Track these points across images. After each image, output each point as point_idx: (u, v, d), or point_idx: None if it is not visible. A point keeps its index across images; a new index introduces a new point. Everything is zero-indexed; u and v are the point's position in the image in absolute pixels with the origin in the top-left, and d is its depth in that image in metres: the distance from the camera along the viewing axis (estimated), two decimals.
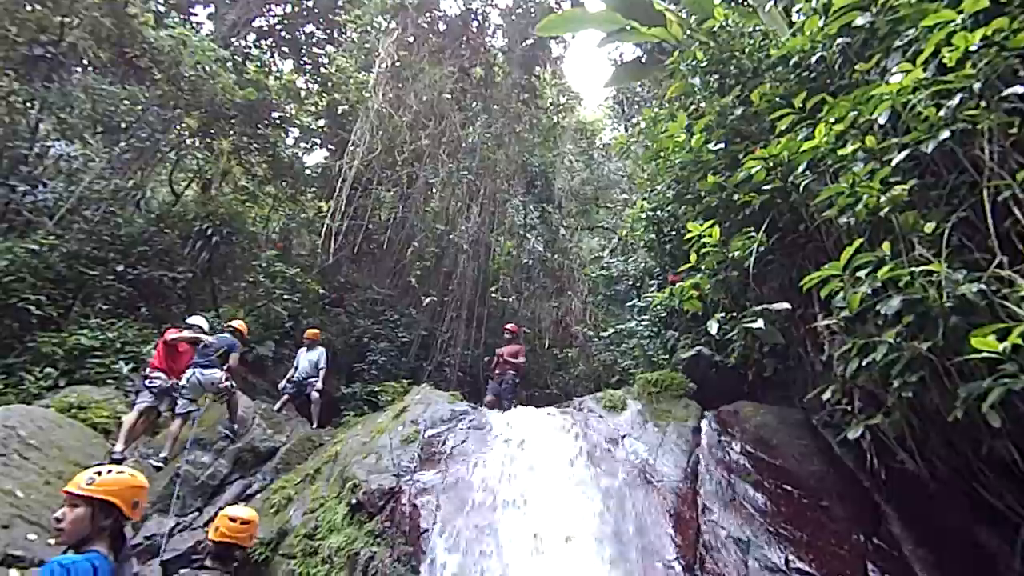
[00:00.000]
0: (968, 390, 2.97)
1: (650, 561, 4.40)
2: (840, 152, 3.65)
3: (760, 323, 3.70)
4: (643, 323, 8.85)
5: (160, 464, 6.19)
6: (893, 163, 3.32)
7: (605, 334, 9.48)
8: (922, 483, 4.69)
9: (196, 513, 5.90)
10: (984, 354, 2.54)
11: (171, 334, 6.66)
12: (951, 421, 3.54)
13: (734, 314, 4.42)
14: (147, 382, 6.12)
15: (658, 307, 8.71)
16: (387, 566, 4.77)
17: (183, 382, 6.45)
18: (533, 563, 4.39)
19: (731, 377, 6.85)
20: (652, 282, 5.76)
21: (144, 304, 8.88)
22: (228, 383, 6.62)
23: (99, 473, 2.55)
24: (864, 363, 3.50)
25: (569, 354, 11.03)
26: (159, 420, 6.70)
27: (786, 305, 3.87)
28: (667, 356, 7.70)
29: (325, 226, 10.23)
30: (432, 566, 4.52)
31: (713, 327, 3.96)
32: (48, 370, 7.27)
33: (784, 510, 4.72)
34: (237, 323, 7.28)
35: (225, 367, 6.70)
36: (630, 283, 9.38)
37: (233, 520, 3.23)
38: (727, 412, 6.00)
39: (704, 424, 5.85)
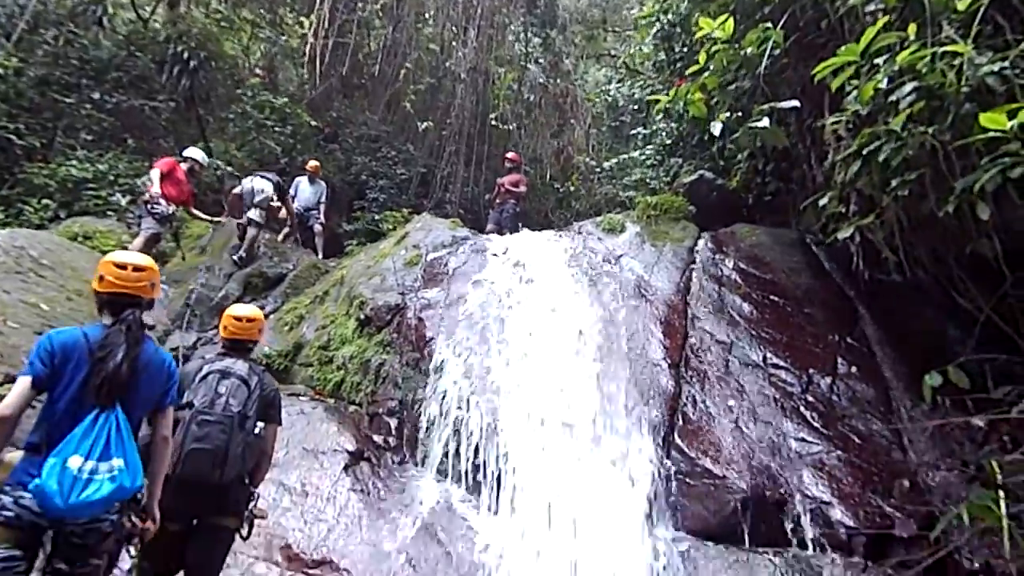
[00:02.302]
0: (964, 183, 2.97)
1: (640, 362, 4.76)
2: None
3: (766, 121, 3.60)
4: (647, 152, 8.66)
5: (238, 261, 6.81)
6: None
7: (607, 164, 9.32)
8: (901, 291, 4.92)
9: (215, 330, 6.26)
10: (990, 134, 2.50)
11: (168, 166, 6.56)
12: (940, 223, 3.61)
13: (739, 114, 4.28)
14: (149, 207, 6.16)
15: (663, 134, 8.47)
16: (397, 370, 5.18)
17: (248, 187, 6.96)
18: (528, 363, 4.75)
19: (731, 201, 6.87)
20: (658, 106, 5.51)
21: (129, 136, 8.64)
22: (266, 205, 6.96)
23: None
24: (866, 165, 3.48)
25: (571, 188, 10.93)
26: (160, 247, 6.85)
27: (795, 103, 3.73)
28: (669, 184, 7.65)
29: (308, 45, 9.52)
30: (437, 367, 4.91)
31: (717, 127, 3.87)
32: (45, 202, 7.28)
33: (768, 317, 5.00)
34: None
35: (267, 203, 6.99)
36: (635, 108, 9.00)
37: (239, 319, 3.39)
38: (724, 233, 6.11)
39: (700, 244, 5.98)
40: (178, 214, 6.74)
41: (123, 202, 7.53)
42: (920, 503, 3.39)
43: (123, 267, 2.53)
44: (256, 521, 3.86)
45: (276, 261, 7.17)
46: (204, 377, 3.15)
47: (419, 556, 3.76)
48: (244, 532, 3.19)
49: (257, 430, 3.26)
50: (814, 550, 3.50)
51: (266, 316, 6.67)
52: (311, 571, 3.74)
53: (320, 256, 7.94)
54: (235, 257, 6.87)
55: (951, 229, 3.75)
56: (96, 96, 8.40)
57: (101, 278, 2.54)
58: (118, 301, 2.50)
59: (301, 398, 5.20)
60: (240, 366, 3.27)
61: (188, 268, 6.88)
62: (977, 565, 3.18)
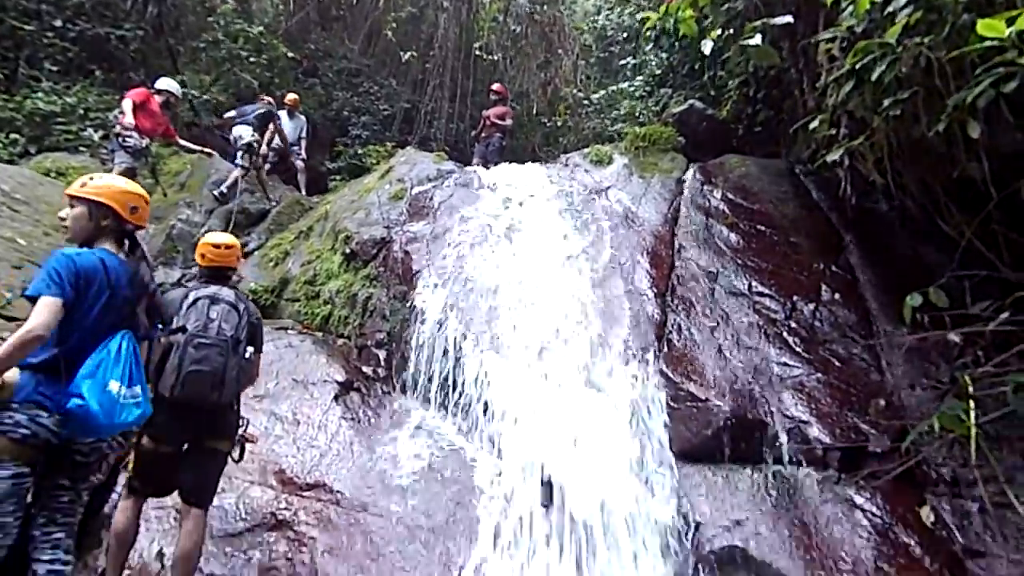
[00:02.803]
0: (957, 99, 2.92)
1: (626, 291, 4.79)
2: None
3: (758, 39, 3.48)
4: (636, 83, 8.43)
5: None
6: None
7: (596, 97, 9.07)
8: (886, 219, 4.94)
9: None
10: (987, 43, 2.43)
11: (140, 96, 6.28)
12: (929, 148, 3.58)
13: (731, 34, 4.14)
14: (122, 140, 5.93)
15: (652, 64, 8.22)
16: (384, 303, 5.18)
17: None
18: (515, 293, 4.76)
19: (720, 132, 6.77)
20: (649, 32, 5.30)
21: (97, 67, 8.23)
22: (248, 148, 6.95)
23: (91, 178, 2.59)
24: (858, 85, 3.40)
25: (558, 123, 10.68)
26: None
27: (788, 18, 3.60)
28: (658, 116, 7.48)
29: None
30: (424, 299, 4.91)
31: (708, 46, 3.74)
32: (14, 136, 6.99)
33: (754, 246, 5.01)
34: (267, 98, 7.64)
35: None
36: (624, 38, 8.69)
37: (216, 246, 3.35)
38: (713, 164, 6.04)
39: (688, 175, 5.92)
40: (154, 148, 6.52)
41: (95, 137, 7.25)
42: (894, 420, 3.52)
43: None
44: (248, 446, 3.95)
45: (258, 197, 7.02)
46: (194, 302, 3.15)
47: (409, 477, 3.87)
48: (236, 455, 3.26)
49: (247, 354, 3.30)
50: (791, 466, 3.64)
51: (250, 252, 6.62)
52: (305, 493, 3.84)
53: (303, 193, 7.78)
54: (215, 192, 6.71)
55: (940, 153, 3.73)
56: (58, 24, 7.94)
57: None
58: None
59: (289, 332, 5.20)
60: (227, 292, 3.30)
61: (168, 205, 6.72)
62: (944, 474, 3.33)
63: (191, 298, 3.18)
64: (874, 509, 3.27)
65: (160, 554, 3.55)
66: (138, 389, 2.36)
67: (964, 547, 3.06)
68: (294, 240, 6.38)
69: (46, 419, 2.20)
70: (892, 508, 3.27)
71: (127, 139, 5.97)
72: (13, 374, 2.21)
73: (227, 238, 3.44)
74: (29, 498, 2.27)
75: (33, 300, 2.25)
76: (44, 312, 2.19)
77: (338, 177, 8.62)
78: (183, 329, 3.06)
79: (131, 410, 2.32)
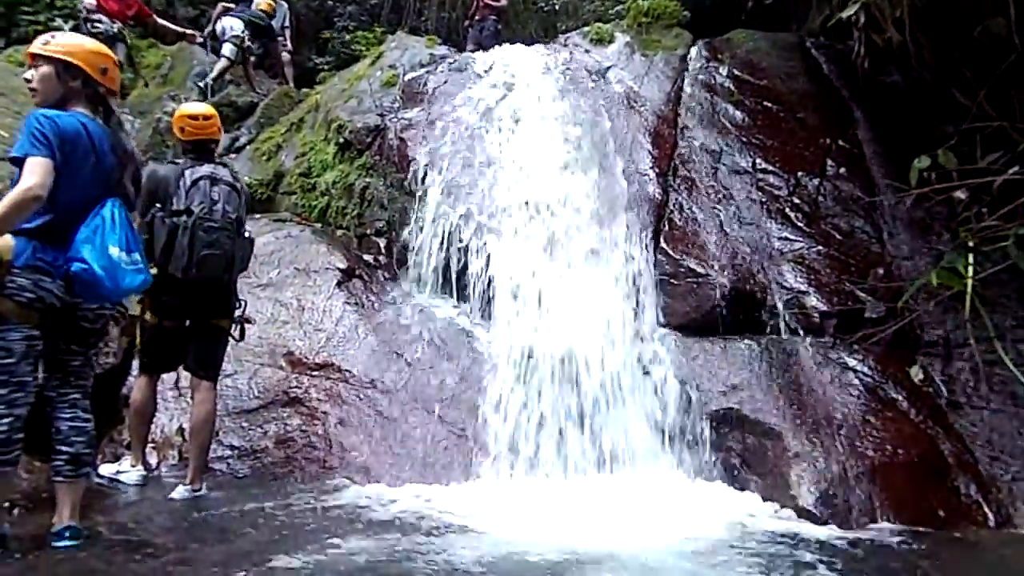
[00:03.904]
0: None
1: (628, 171, 4.69)
2: None
3: None
4: None
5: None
6: None
7: None
8: (898, 92, 4.74)
9: None
10: None
11: None
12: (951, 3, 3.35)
13: None
14: (90, 26, 5.58)
15: None
16: (382, 191, 5.11)
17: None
18: (515, 175, 4.67)
19: (729, 7, 6.36)
20: None
21: None
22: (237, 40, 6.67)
23: (54, 36, 2.44)
24: None
25: (555, 6, 10.02)
26: None
27: None
28: None
29: None
30: (422, 185, 4.82)
31: None
32: None
33: (760, 123, 4.85)
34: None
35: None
36: None
37: (195, 117, 3.24)
38: (719, 40, 5.72)
39: (693, 52, 5.61)
40: (129, 37, 6.16)
41: (66, 28, 6.82)
42: (892, 288, 3.55)
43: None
44: (256, 331, 4.05)
45: (244, 90, 6.73)
46: (195, 183, 3.13)
47: (414, 355, 3.98)
48: (236, 334, 3.34)
49: (248, 234, 3.32)
50: (788, 334, 3.72)
51: (241, 147, 6.44)
52: (314, 373, 3.97)
53: (291, 85, 7.45)
54: (200, 84, 6.43)
55: (963, 8, 3.50)
56: None
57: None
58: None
59: (288, 223, 5.17)
60: (224, 172, 3.30)
61: (152, 99, 6.45)
62: (935, 336, 3.41)
63: (189, 178, 3.14)
64: (866, 370, 3.38)
65: (180, 429, 3.72)
66: (136, 256, 2.35)
67: (948, 401, 3.19)
68: (286, 133, 6.18)
69: (49, 284, 2.21)
70: (883, 369, 3.38)
71: (96, 24, 5.63)
72: (7, 239, 2.19)
73: (204, 108, 3.33)
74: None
75: (18, 163, 2.19)
76: (38, 171, 2.13)
77: (326, 68, 8.19)
78: (188, 211, 3.06)
79: (133, 276, 2.31)
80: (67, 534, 2.22)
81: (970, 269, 2.62)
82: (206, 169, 3.20)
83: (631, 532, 2.56)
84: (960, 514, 2.76)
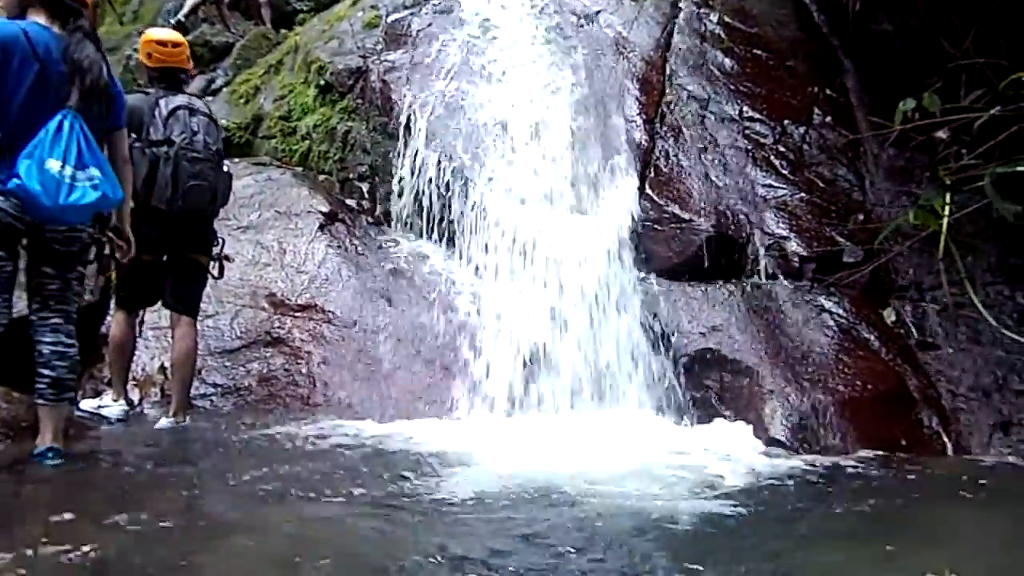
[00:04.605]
0: None
1: (614, 118, 4.65)
2: None
3: None
4: None
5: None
6: None
7: None
8: (887, 41, 4.71)
9: None
10: None
11: None
12: None
13: None
14: None
15: None
16: (364, 135, 5.01)
17: None
18: (502, 118, 4.60)
19: None
20: None
21: None
22: None
23: None
24: None
25: None
26: None
27: None
28: None
29: None
30: (406, 129, 4.74)
31: None
32: None
33: (748, 71, 4.81)
34: None
35: None
36: None
37: (163, 44, 3.12)
38: None
39: None
40: None
41: None
42: (870, 231, 3.60)
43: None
44: (237, 273, 4.00)
45: (219, 29, 6.48)
46: (172, 112, 3.05)
47: (398, 297, 3.98)
48: (215, 271, 3.31)
49: (226, 167, 3.26)
50: (768, 279, 3.78)
51: (218, 90, 6.25)
52: (297, 314, 3.96)
53: (268, 27, 7.19)
54: (172, 21, 6.17)
55: None
56: None
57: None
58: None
59: (268, 167, 5.06)
60: (199, 103, 3.23)
61: (122, 36, 6.20)
62: (909, 280, 3.49)
63: (165, 107, 3.06)
64: (841, 312, 3.46)
65: (162, 368, 3.71)
66: (94, 171, 2.21)
67: (919, 341, 3.29)
68: (264, 75, 5.99)
69: (2, 202, 2.13)
70: (858, 311, 3.46)
71: None
72: None
73: (172, 35, 3.22)
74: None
75: None
76: None
77: (305, 11, 7.90)
78: (168, 141, 2.98)
79: (86, 192, 2.17)
80: (49, 455, 2.23)
81: (946, 209, 2.66)
82: (182, 99, 3.12)
83: (608, 461, 2.63)
84: (921, 443, 2.88)
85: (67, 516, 1.72)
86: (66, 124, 2.18)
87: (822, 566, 1.54)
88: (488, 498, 2.09)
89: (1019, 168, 2.45)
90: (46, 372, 2.26)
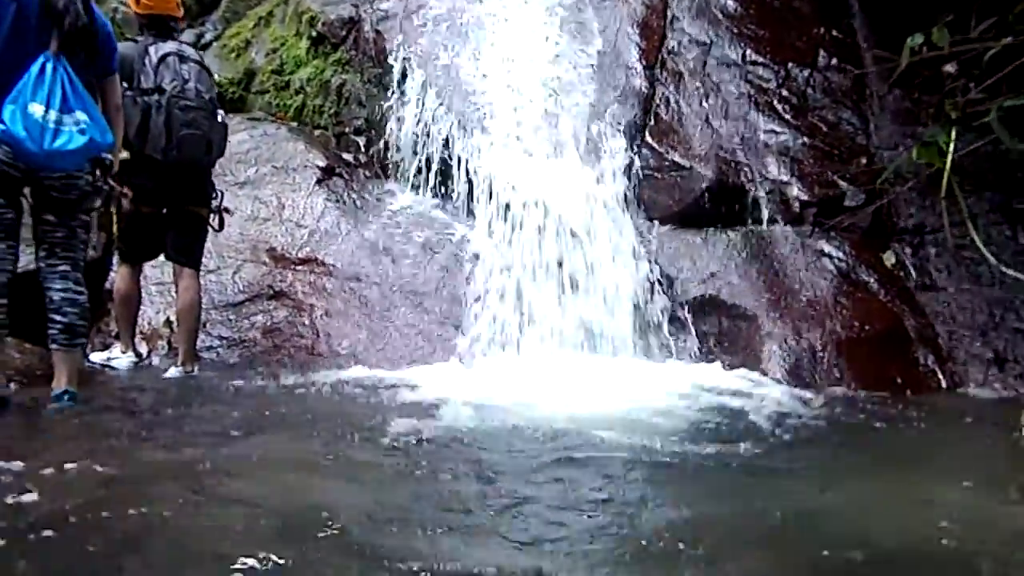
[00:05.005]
0: None
1: (614, 65, 4.55)
2: None
3: None
4: None
5: None
6: None
7: None
8: None
9: None
10: None
11: None
12: None
13: None
14: None
15: None
16: (359, 88, 4.92)
17: None
18: (497, 68, 4.52)
19: None
20: None
21: None
22: None
23: None
24: None
25: None
26: None
27: None
28: None
29: None
30: (401, 81, 4.65)
31: None
32: None
33: (753, 13, 4.68)
34: None
35: None
36: None
37: None
38: None
39: None
40: None
41: None
42: (873, 173, 3.57)
43: None
44: (236, 228, 3.99)
45: None
46: (162, 59, 2.99)
47: (398, 250, 3.98)
48: (215, 224, 3.31)
49: (220, 118, 3.23)
50: (768, 225, 3.77)
51: (208, 44, 6.09)
52: (298, 267, 3.97)
53: None
54: None
55: None
56: None
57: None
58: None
59: (262, 122, 5.00)
60: (190, 51, 3.18)
61: None
62: (910, 223, 3.48)
63: (155, 55, 3.01)
64: (841, 255, 3.46)
65: (168, 321, 3.75)
66: (81, 115, 2.17)
67: (917, 283, 3.30)
68: (254, 28, 5.83)
69: None
70: (858, 254, 3.46)
71: None
72: None
73: None
74: None
75: None
76: None
77: None
78: (159, 89, 2.93)
79: (72, 136, 2.13)
80: (65, 397, 2.28)
81: (951, 146, 2.63)
82: (171, 46, 3.06)
83: (606, 401, 2.68)
84: (917, 381, 2.93)
85: (85, 445, 1.78)
86: (48, 67, 2.13)
87: (832, 503, 1.51)
88: (488, 433, 2.14)
89: None
90: (58, 318, 2.29)
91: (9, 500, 1.29)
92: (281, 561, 1.04)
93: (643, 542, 1.22)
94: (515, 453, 1.90)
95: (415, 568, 1.04)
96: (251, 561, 1.02)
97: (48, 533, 1.13)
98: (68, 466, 1.52)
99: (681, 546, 1.19)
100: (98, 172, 2.40)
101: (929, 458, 1.85)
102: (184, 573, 1.07)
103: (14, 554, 1.06)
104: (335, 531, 1.21)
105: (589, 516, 1.38)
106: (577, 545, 1.21)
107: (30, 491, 1.32)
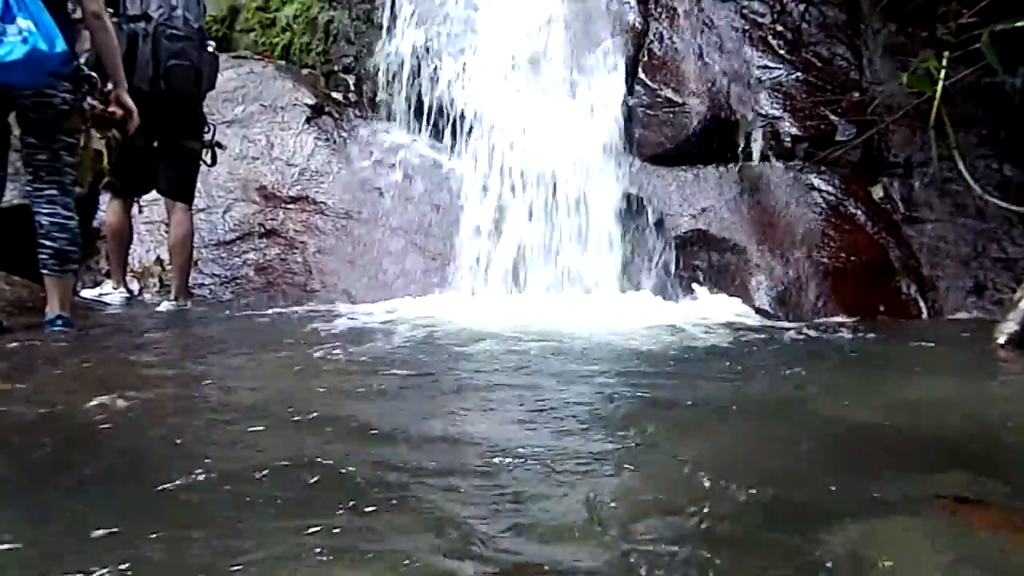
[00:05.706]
0: None
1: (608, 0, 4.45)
2: None
3: None
4: None
5: None
6: None
7: None
8: None
9: None
10: None
11: None
12: None
13: None
14: None
15: None
16: (348, 25, 4.80)
17: None
18: (489, 5, 4.41)
19: None
20: None
21: None
22: None
23: None
24: None
25: None
26: None
27: None
28: None
29: None
30: (391, 16, 4.54)
31: None
32: None
33: None
34: None
35: None
36: None
37: None
38: None
39: None
40: None
41: None
42: (864, 109, 3.56)
43: None
44: (228, 168, 3.95)
45: None
46: None
47: (388, 187, 3.97)
48: (208, 159, 3.28)
49: (211, 48, 3.16)
50: (760, 161, 3.77)
51: None
52: (289, 206, 3.96)
53: None
54: None
55: None
56: None
57: None
58: None
59: (249, 60, 4.88)
60: None
61: None
62: (900, 158, 3.50)
63: None
64: (830, 189, 3.49)
65: (159, 260, 3.76)
66: (24, 22, 2.03)
67: (904, 215, 3.34)
68: None
69: None
70: (847, 188, 3.49)
71: None
72: None
73: None
74: None
75: None
76: None
77: None
78: (146, 16, 2.86)
79: (15, 47, 2.01)
80: (59, 322, 2.30)
81: (942, 73, 2.62)
82: None
83: (588, 329, 2.73)
84: (899, 309, 3.00)
85: (85, 364, 1.82)
86: None
87: (811, 393, 1.59)
88: (483, 351, 2.20)
89: (1019, 24, 2.39)
90: (48, 243, 2.30)
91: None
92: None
93: (621, 412, 1.30)
94: (492, 359, 1.97)
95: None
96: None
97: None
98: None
99: (661, 414, 1.26)
100: (85, 88, 2.33)
101: (906, 362, 1.93)
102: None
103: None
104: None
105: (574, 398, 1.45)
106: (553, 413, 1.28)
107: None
